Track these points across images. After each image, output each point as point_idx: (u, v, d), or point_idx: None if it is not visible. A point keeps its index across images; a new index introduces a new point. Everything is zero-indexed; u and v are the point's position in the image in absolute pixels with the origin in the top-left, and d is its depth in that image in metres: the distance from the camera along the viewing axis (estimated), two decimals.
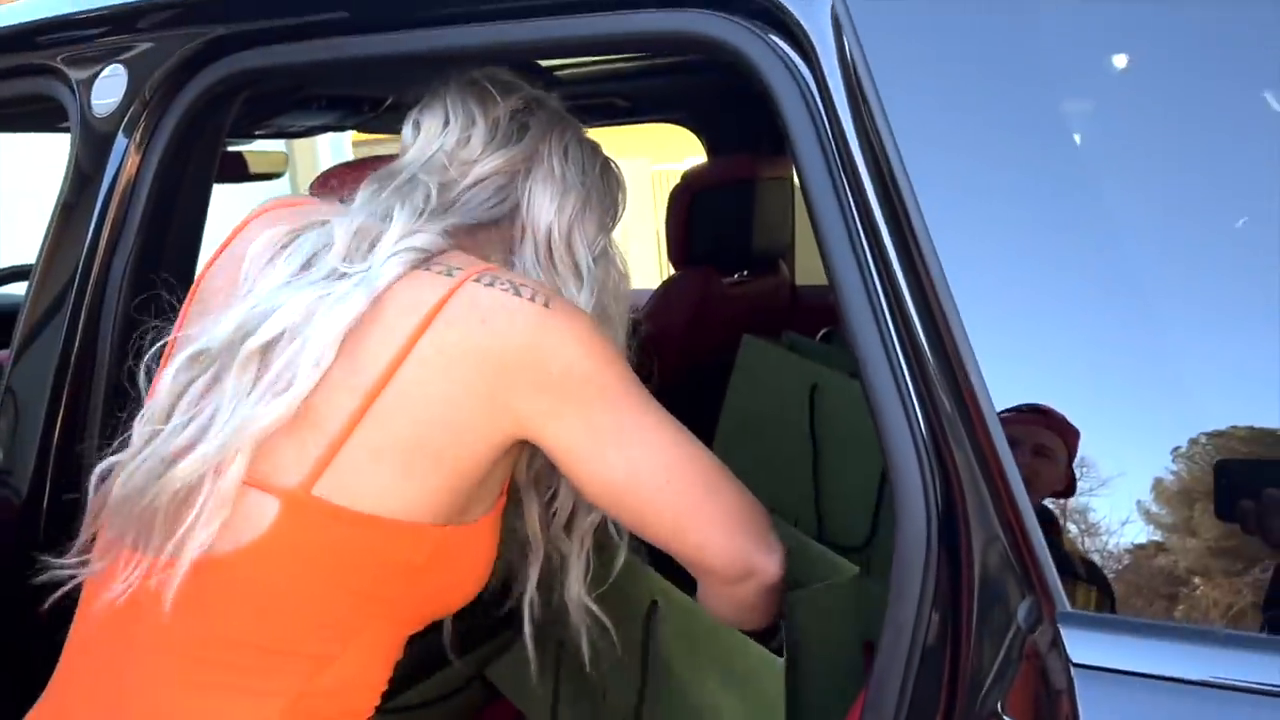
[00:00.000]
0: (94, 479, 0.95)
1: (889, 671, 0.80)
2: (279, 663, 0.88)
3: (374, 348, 0.89)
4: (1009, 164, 0.81)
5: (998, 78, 0.81)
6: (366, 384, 0.88)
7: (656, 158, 8.38)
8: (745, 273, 2.45)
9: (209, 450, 0.86)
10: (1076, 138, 0.79)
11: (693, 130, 2.79)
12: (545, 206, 1.07)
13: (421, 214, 0.99)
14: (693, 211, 2.32)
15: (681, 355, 2.28)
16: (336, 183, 1.50)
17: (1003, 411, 0.76)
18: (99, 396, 1.26)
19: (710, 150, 2.76)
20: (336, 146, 6.08)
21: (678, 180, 2.39)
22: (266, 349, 0.89)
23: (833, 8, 0.85)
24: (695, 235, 2.33)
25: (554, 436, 0.93)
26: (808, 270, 2.64)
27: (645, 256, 6.68)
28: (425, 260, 0.95)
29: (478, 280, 0.93)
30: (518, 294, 0.92)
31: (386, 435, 0.88)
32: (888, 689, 0.80)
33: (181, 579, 0.85)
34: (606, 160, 1.17)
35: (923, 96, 0.83)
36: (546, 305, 0.93)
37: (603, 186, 1.14)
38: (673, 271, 2.44)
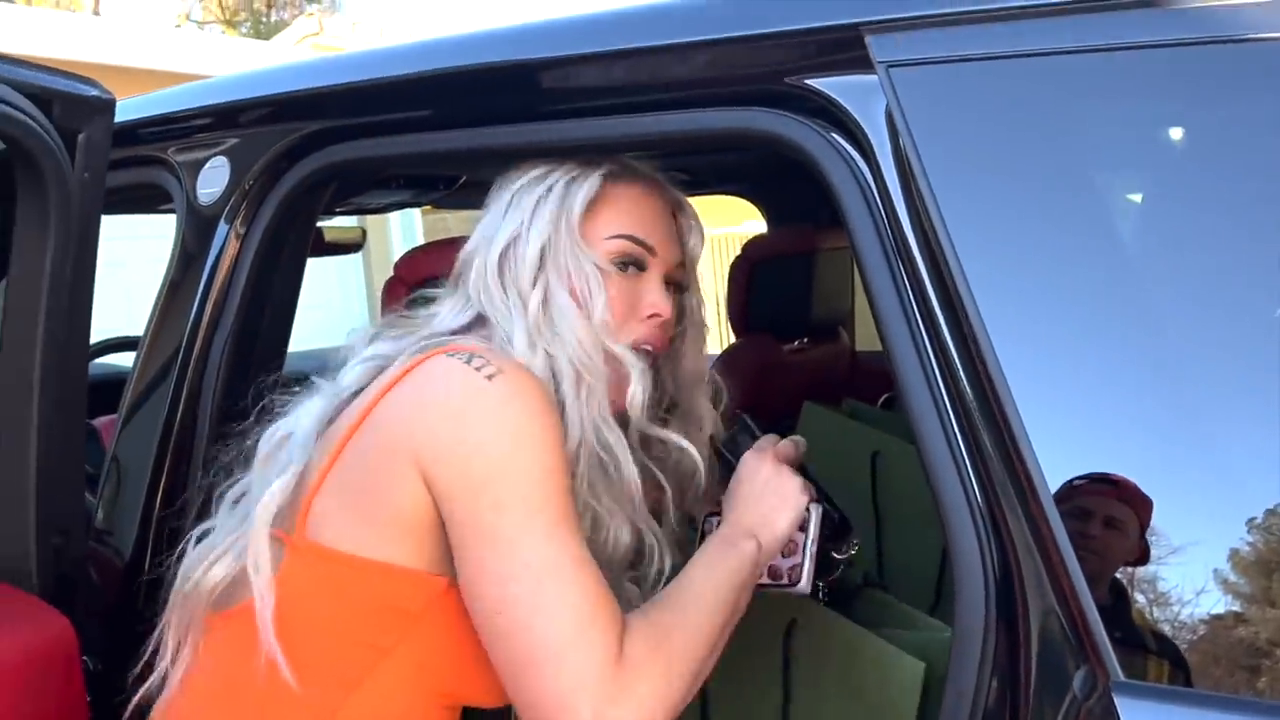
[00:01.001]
0: (189, 543, 1.06)
1: None
2: (286, 710, 0.94)
3: (346, 418, 1.01)
4: (1057, 250, 0.86)
5: (1043, 171, 0.87)
6: (337, 444, 0.98)
7: (714, 222, 8.50)
8: (805, 340, 2.50)
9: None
10: (1123, 228, 0.84)
11: (753, 202, 2.86)
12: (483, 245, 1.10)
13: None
14: (753, 281, 2.39)
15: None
16: (417, 266, 1.60)
17: (1060, 482, 0.80)
18: (197, 467, 1.34)
19: (770, 220, 2.83)
20: (407, 219, 6.27)
21: (735, 245, 2.46)
22: (278, 445, 1.04)
23: (887, 108, 0.92)
24: (755, 304, 2.39)
25: (444, 509, 0.91)
26: (868, 336, 2.67)
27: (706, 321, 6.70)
28: (385, 366, 1.03)
29: (449, 354, 0.97)
30: (468, 362, 0.93)
31: (345, 482, 0.97)
32: None
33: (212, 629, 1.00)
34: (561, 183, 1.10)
35: (972, 188, 0.89)
36: (490, 378, 0.91)
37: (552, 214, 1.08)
38: (733, 337, 2.50)
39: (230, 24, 21.08)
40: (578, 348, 1.02)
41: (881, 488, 1.75)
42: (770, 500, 1.03)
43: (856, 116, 0.96)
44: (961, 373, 0.86)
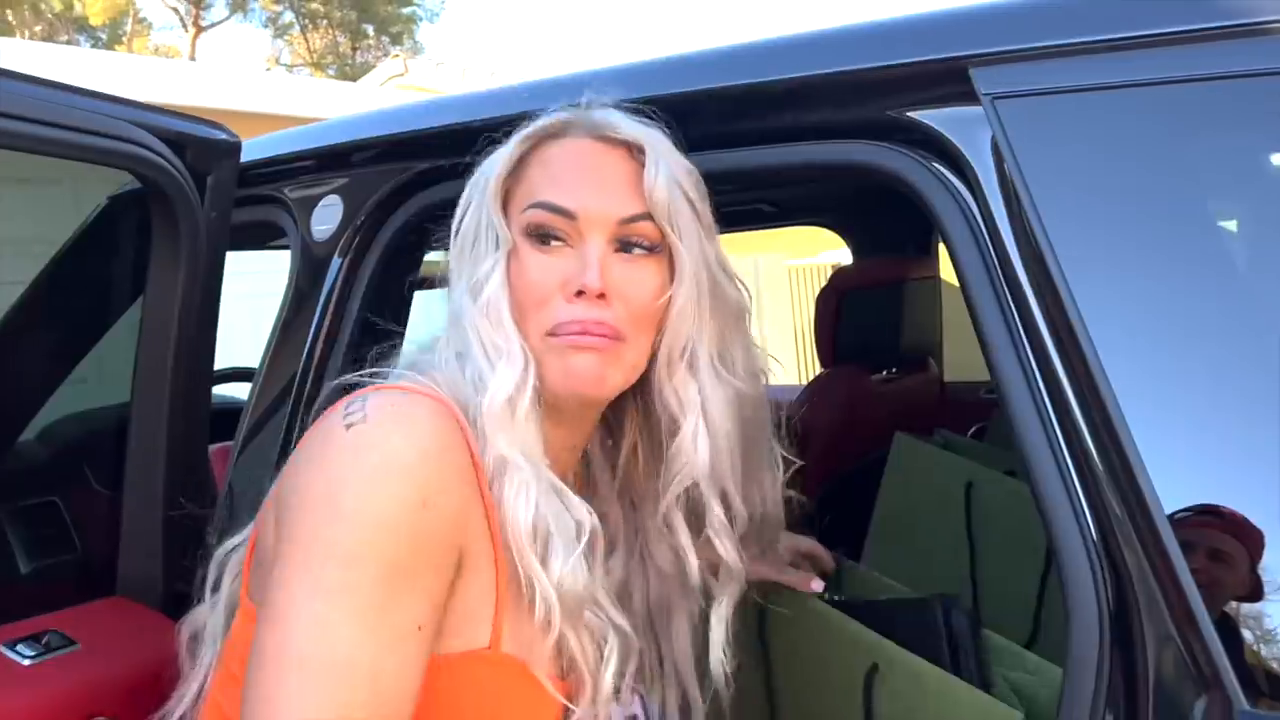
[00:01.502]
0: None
1: None
2: None
3: None
4: (1166, 278, 0.86)
5: (1149, 198, 0.87)
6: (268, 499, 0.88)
7: (793, 253, 8.50)
8: (894, 370, 2.49)
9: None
10: (1234, 255, 0.84)
11: (838, 233, 2.87)
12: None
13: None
14: (841, 312, 2.39)
15: (831, 453, 2.32)
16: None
17: (1176, 508, 0.80)
18: None
19: (856, 251, 2.83)
20: None
21: (813, 274, 2.47)
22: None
23: (993, 139, 0.93)
24: (843, 335, 2.39)
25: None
26: (957, 365, 2.66)
27: (785, 352, 6.74)
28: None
29: (350, 399, 0.84)
30: (347, 409, 0.81)
31: (263, 540, 0.86)
32: None
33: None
34: None
35: (1079, 217, 0.89)
36: (349, 427, 0.79)
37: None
38: (817, 368, 2.51)
39: (318, 66, 21.79)
40: (477, 347, 0.89)
41: (976, 519, 1.73)
42: None
43: (961, 148, 0.97)
44: (1072, 401, 0.86)
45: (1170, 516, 0.80)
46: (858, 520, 2.15)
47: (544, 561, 0.84)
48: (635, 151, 0.94)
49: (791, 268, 8.85)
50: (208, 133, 1.21)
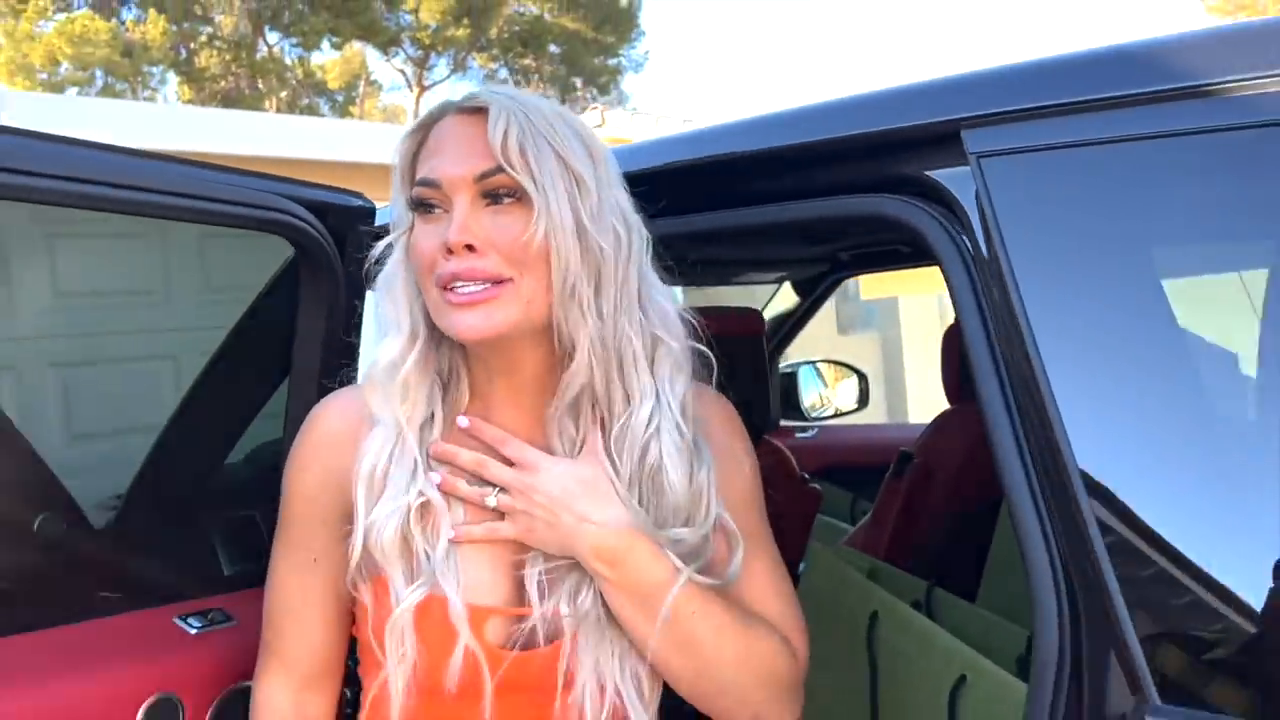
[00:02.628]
0: None
1: None
2: None
3: None
4: (1116, 313, 0.95)
5: (1101, 237, 0.97)
6: None
7: (908, 289, 8.32)
8: None
9: None
10: (1172, 302, 0.92)
11: None
12: None
13: None
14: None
15: (953, 487, 2.37)
16: None
17: (1110, 528, 0.89)
18: None
19: None
20: None
21: (927, 310, 2.52)
22: None
23: (976, 191, 1.04)
24: (969, 371, 2.44)
25: None
26: None
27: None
28: None
29: None
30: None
31: None
32: None
33: None
34: None
35: (1041, 253, 1.00)
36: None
37: None
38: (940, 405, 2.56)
39: None
40: (379, 322, 1.10)
41: None
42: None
43: (958, 198, 1.08)
44: (1028, 418, 0.96)
45: (1101, 534, 0.89)
46: (976, 555, 2.20)
47: (368, 503, 1.04)
48: (479, 110, 1.02)
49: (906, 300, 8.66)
50: (346, 200, 1.46)
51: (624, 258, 1.03)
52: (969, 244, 1.07)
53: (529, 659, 1.03)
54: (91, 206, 1.19)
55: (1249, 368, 0.88)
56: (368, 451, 1.05)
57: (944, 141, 1.09)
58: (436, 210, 1.03)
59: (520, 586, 1.05)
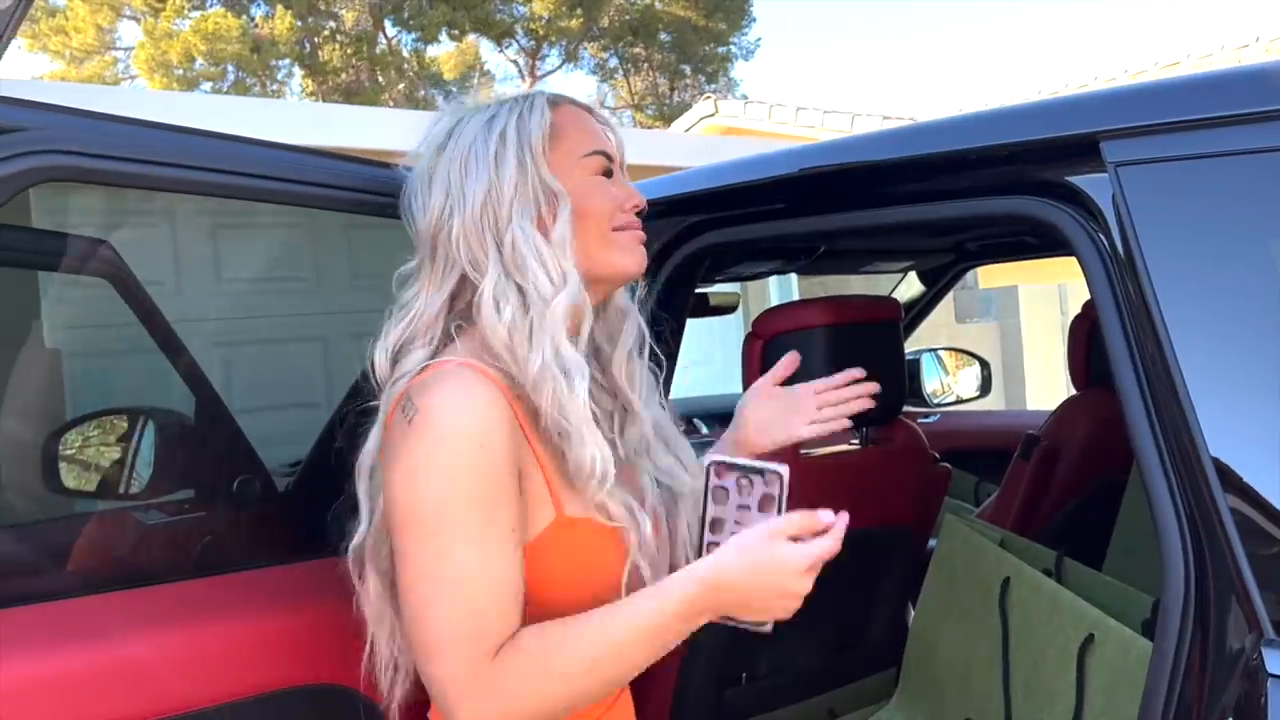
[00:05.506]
0: None
1: None
2: None
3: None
4: (1240, 299, 1.08)
5: (1230, 239, 1.09)
6: None
7: (1027, 278, 8.21)
8: None
9: None
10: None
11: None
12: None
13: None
14: (1094, 337, 2.53)
15: (1076, 472, 2.47)
16: (770, 324, 1.98)
17: (1243, 499, 1.02)
18: None
19: None
20: (785, 282, 6.78)
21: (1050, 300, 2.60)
22: None
23: (1113, 197, 1.17)
24: (1095, 359, 2.53)
25: None
26: None
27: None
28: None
29: (404, 397, 1.08)
30: (402, 409, 1.06)
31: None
32: None
33: None
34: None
35: (1176, 254, 1.12)
36: (410, 422, 1.04)
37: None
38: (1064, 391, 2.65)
39: (638, 108, 23.16)
40: (543, 276, 1.12)
41: None
42: (770, 603, 1.03)
43: (1096, 201, 1.21)
44: (1163, 404, 1.09)
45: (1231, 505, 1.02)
46: (1099, 538, 2.30)
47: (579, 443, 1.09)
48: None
49: (1025, 290, 8.53)
50: None
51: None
52: (1106, 243, 1.20)
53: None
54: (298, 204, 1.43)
55: None
56: (576, 391, 1.11)
57: (1084, 151, 1.22)
58: (614, 175, 1.24)
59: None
